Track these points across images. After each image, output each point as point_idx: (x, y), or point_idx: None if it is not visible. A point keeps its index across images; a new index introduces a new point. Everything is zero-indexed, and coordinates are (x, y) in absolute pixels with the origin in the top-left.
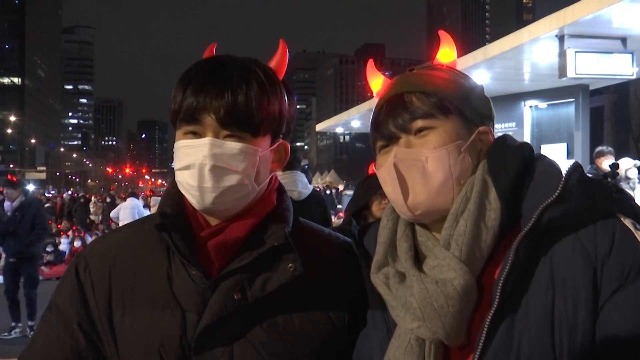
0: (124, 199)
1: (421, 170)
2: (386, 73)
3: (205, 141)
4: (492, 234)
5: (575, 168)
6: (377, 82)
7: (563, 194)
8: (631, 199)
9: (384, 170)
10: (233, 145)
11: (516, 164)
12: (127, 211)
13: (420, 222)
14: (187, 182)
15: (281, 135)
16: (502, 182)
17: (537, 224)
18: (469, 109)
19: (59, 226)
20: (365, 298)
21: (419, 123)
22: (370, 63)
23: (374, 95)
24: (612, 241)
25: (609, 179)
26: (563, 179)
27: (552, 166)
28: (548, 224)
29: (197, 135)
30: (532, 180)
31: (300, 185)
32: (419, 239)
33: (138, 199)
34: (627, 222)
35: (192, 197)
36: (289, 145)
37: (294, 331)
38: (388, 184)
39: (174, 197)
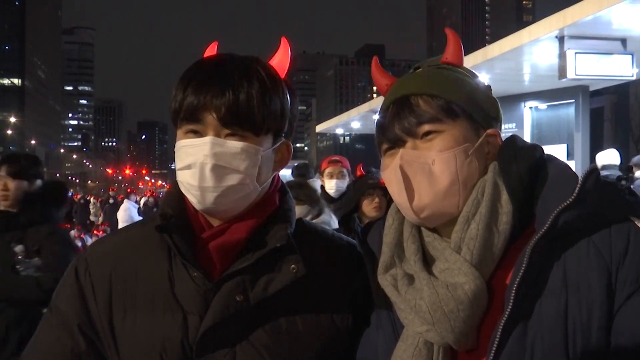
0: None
1: (427, 172)
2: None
3: (207, 140)
4: (504, 238)
5: (592, 171)
6: (382, 79)
7: (579, 198)
8: None
9: (389, 171)
10: (234, 144)
11: (528, 166)
12: (121, 213)
13: (425, 225)
14: (188, 181)
15: (283, 135)
16: (513, 184)
17: (552, 228)
18: (476, 112)
19: None
20: (369, 298)
21: (426, 127)
22: (375, 61)
23: (381, 92)
24: (626, 245)
25: (623, 182)
26: (579, 182)
27: (567, 169)
28: (563, 227)
29: (198, 134)
30: (546, 183)
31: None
32: (426, 240)
33: (131, 200)
34: None
35: (193, 197)
36: (291, 145)
37: (296, 333)
38: (394, 186)
39: (175, 197)
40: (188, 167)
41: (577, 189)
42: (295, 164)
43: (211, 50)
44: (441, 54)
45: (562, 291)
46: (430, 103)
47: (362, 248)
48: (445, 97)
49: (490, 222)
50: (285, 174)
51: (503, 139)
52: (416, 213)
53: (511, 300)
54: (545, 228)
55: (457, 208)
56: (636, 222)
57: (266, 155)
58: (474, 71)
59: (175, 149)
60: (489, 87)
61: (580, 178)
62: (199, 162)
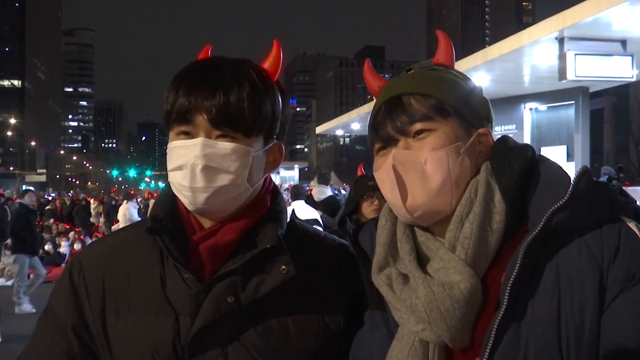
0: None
1: (420, 172)
2: (386, 76)
3: (197, 141)
4: (497, 237)
5: (585, 172)
6: (375, 81)
7: (572, 198)
8: (634, 202)
9: (382, 172)
10: (225, 145)
11: (520, 166)
12: (121, 215)
13: (418, 225)
14: (179, 182)
15: (275, 136)
16: (506, 183)
17: (546, 227)
18: (467, 111)
19: (58, 228)
20: (361, 300)
21: (418, 126)
22: (367, 63)
23: (373, 94)
24: (618, 244)
25: (614, 181)
26: (572, 183)
27: (559, 169)
28: (556, 227)
29: (189, 135)
30: (539, 183)
31: (320, 193)
32: (419, 239)
33: (132, 202)
34: (632, 225)
35: (185, 198)
36: (284, 146)
37: (288, 334)
38: (386, 186)
39: (167, 199)
40: (179, 168)
41: (571, 189)
42: (321, 172)
43: (205, 54)
44: (430, 59)
45: (554, 290)
46: (422, 102)
47: (355, 248)
48: (437, 96)
49: (484, 221)
50: (286, 175)
51: (495, 139)
52: (409, 212)
53: (505, 299)
54: (538, 228)
55: (449, 206)
56: (627, 222)
57: (257, 157)
58: (474, 72)
59: (167, 151)
60: (479, 88)
61: (573, 179)
62: (190, 163)
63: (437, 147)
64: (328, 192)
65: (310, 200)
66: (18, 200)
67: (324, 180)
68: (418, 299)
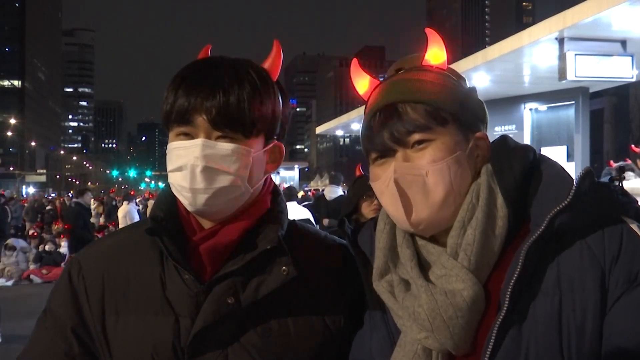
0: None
1: (422, 185)
2: (386, 76)
3: (197, 142)
4: (500, 242)
5: (587, 174)
6: (363, 82)
7: (575, 200)
8: (635, 202)
9: (381, 183)
10: (225, 146)
11: (522, 167)
12: (120, 215)
13: (420, 234)
14: (179, 183)
15: (275, 136)
16: (508, 186)
17: (548, 229)
18: (465, 115)
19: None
20: (361, 300)
21: (416, 136)
22: (355, 63)
23: (360, 94)
24: (620, 245)
25: (616, 182)
26: (575, 184)
27: (561, 170)
28: (558, 229)
29: (189, 136)
30: (541, 184)
31: (332, 192)
32: (419, 243)
33: (132, 202)
34: (634, 226)
35: (185, 199)
36: (284, 146)
37: (288, 335)
38: (387, 199)
39: (166, 200)
40: (179, 169)
41: (573, 191)
42: (332, 173)
43: (204, 53)
44: (420, 53)
45: (555, 292)
46: (419, 110)
47: (353, 249)
48: (433, 103)
49: (486, 227)
50: (286, 175)
51: (491, 141)
52: (413, 226)
53: (506, 302)
54: (540, 230)
55: (453, 216)
56: (629, 223)
57: (257, 157)
58: (473, 72)
59: (167, 151)
60: (474, 89)
61: (575, 180)
62: (189, 164)
63: (437, 158)
64: (339, 191)
65: (322, 200)
66: (74, 200)
67: (336, 181)
68: (421, 307)
